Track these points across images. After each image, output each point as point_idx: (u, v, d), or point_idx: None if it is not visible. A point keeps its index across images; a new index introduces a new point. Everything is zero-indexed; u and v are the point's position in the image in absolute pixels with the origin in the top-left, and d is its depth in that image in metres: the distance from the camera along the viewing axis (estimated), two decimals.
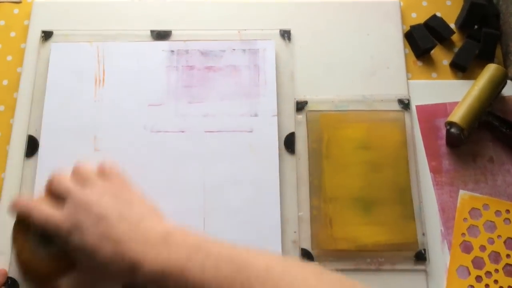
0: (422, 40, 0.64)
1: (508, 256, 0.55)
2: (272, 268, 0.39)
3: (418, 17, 0.67)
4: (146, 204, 0.46)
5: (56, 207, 0.45)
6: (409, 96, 0.62)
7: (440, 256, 0.56)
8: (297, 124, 0.60)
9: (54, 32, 0.63)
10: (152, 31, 0.64)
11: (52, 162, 0.56)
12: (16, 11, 0.67)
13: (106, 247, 0.41)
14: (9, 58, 0.64)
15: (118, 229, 0.42)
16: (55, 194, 0.46)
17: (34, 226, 0.45)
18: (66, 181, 0.46)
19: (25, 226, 0.47)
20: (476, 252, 0.56)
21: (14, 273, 0.54)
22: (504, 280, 0.54)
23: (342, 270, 0.54)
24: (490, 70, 0.60)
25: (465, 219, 0.57)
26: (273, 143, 0.58)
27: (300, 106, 0.61)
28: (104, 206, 0.43)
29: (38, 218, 0.44)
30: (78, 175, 0.47)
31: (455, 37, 0.66)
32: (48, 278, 0.45)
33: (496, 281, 0.55)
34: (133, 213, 0.44)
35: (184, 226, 0.43)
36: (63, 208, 0.44)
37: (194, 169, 0.57)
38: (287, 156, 0.59)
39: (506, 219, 0.57)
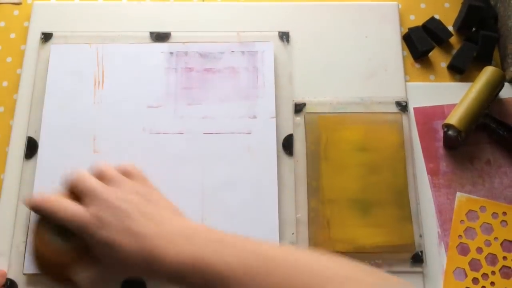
0: (420, 42, 0.64)
1: (504, 258, 0.56)
2: (300, 260, 0.40)
3: (416, 20, 0.67)
4: (167, 203, 0.47)
5: (78, 205, 0.45)
6: (407, 98, 0.62)
7: (437, 258, 0.56)
8: (295, 126, 0.60)
9: (54, 33, 0.63)
10: (151, 33, 0.64)
11: (52, 164, 0.57)
12: (16, 12, 0.67)
13: (128, 242, 0.42)
14: (9, 59, 0.64)
15: (142, 225, 0.43)
16: (76, 192, 0.47)
17: (54, 221, 0.46)
18: (91, 180, 0.47)
19: (45, 219, 0.47)
20: (473, 254, 0.56)
21: (13, 274, 0.54)
22: (501, 282, 0.55)
23: None
24: (487, 73, 0.60)
25: (462, 221, 0.57)
26: (272, 145, 0.58)
27: (299, 108, 0.61)
28: (129, 203, 0.44)
29: (62, 216, 0.45)
30: (101, 174, 0.48)
31: (453, 40, 0.66)
32: (64, 269, 0.46)
33: (492, 283, 0.55)
34: (156, 211, 0.45)
35: (203, 224, 0.45)
36: (85, 205, 0.45)
37: (193, 171, 0.57)
38: (285, 158, 0.59)
39: (503, 221, 0.57)
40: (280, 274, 0.39)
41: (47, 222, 0.47)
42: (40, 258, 0.48)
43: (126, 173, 0.49)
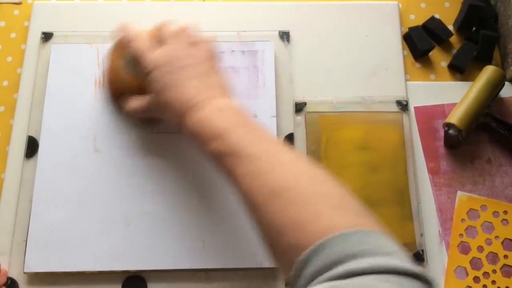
0: (421, 41, 0.64)
1: (505, 257, 0.56)
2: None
3: (416, 19, 0.67)
4: (220, 79, 0.52)
5: (152, 46, 0.52)
6: (408, 98, 0.62)
7: (438, 256, 0.56)
8: (296, 125, 0.60)
9: (54, 33, 0.63)
10: None
11: (52, 163, 0.57)
12: (16, 12, 0.67)
13: (173, 97, 0.49)
14: (9, 59, 0.64)
15: (189, 91, 0.49)
16: (157, 36, 0.54)
17: (129, 51, 0.54)
18: (172, 32, 0.53)
19: (122, 47, 0.56)
20: (474, 253, 0.56)
21: (14, 273, 0.54)
22: (502, 281, 0.55)
23: None
24: (488, 72, 0.60)
25: (463, 220, 0.57)
26: None
27: (299, 108, 0.61)
28: (185, 65, 0.50)
29: (134, 48, 0.53)
30: (183, 32, 0.53)
31: (453, 39, 0.66)
32: (126, 90, 0.56)
33: (493, 282, 0.55)
34: (207, 81, 0.50)
35: (241, 107, 0.49)
36: (157, 49, 0.52)
37: (194, 170, 0.57)
38: None
39: (504, 220, 0.57)
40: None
41: (123, 50, 0.56)
42: (111, 77, 0.58)
43: (197, 42, 0.53)
